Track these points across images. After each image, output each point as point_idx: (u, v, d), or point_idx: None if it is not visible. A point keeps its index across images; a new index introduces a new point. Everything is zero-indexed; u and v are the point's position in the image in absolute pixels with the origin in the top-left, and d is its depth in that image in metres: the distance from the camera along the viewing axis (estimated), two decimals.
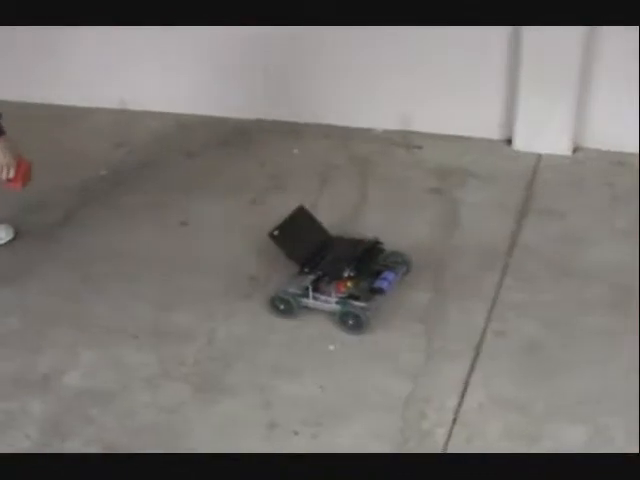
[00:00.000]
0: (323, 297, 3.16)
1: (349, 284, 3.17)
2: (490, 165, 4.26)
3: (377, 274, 3.24)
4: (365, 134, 4.57)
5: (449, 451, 2.66)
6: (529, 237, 3.67)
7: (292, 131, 4.62)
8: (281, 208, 3.78)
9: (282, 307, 3.17)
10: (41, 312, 3.32)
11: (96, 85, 4.90)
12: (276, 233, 3.24)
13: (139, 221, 3.88)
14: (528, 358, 3.01)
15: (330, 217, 3.81)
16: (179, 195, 4.06)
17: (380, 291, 3.17)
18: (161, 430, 2.76)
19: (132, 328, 3.21)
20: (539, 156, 4.29)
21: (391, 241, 3.60)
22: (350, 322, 3.08)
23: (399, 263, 3.34)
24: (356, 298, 3.13)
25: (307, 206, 3.86)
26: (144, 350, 3.10)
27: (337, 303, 3.13)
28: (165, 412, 2.83)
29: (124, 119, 4.86)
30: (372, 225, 3.76)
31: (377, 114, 4.62)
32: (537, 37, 4.06)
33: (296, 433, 2.73)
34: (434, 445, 2.68)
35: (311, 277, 3.20)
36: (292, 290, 3.18)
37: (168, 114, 4.80)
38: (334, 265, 3.21)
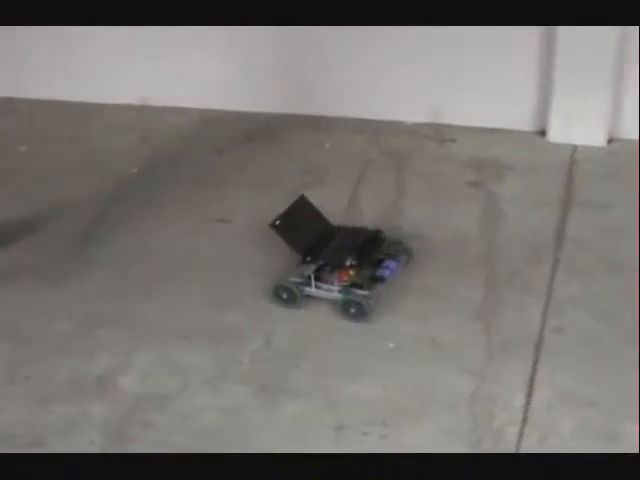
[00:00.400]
0: (326, 286, 3.16)
1: (351, 273, 3.17)
2: (526, 157, 4.21)
3: (379, 263, 3.24)
4: (395, 127, 4.50)
5: (522, 451, 2.60)
6: (575, 230, 3.63)
7: (320, 125, 4.55)
8: (321, 203, 3.73)
9: (285, 296, 3.16)
10: (88, 314, 3.24)
11: (115, 81, 4.80)
12: (278, 223, 3.22)
13: (176, 219, 3.80)
14: (589, 354, 2.97)
15: (371, 212, 3.79)
16: (214, 192, 3.98)
17: (382, 279, 3.17)
18: (226, 433, 2.71)
19: (182, 329, 3.15)
20: (574, 147, 4.24)
21: (436, 236, 3.61)
22: (352, 310, 3.08)
23: (400, 252, 3.34)
24: (358, 286, 3.12)
25: (347, 201, 3.84)
26: (198, 351, 3.04)
27: (339, 292, 3.13)
28: (228, 414, 2.77)
29: (146, 115, 4.76)
30: (414, 219, 3.72)
31: (406, 107, 4.55)
32: (572, 28, 3.99)
33: (365, 434, 2.68)
34: (506, 445, 2.62)
35: (313, 266, 3.20)
36: (295, 279, 3.17)
37: (190, 109, 4.71)
38: (336, 254, 3.21)
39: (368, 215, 3.77)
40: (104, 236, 3.70)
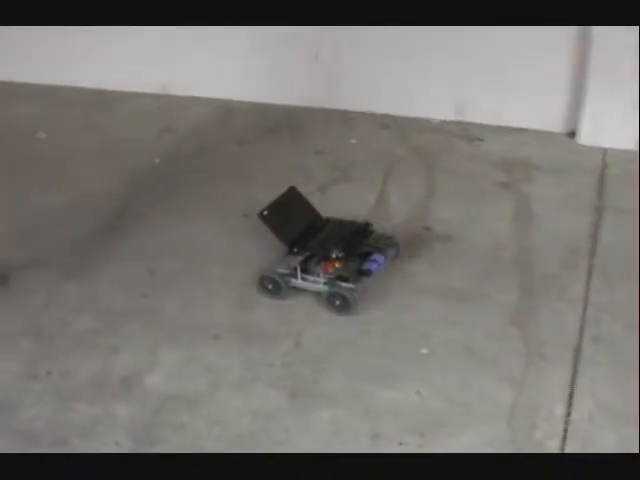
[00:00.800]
0: (311, 277, 3.12)
1: (337, 265, 3.12)
2: (556, 159, 4.13)
3: (366, 256, 3.19)
4: (422, 124, 4.42)
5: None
6: (608, 235, 3.55)
7: (345, 120, 4.47)
8: (349, 200, 3.71)
9: (270, 287, 3.13)
10: (113, 309, 3.15)
11: (137, 69, 4.70)
12: (265, 213, 3.18)
13: (200, 213, 3.70)
14: (628, 364, 2.88)
15: (400, 210, 3.73)
16: (238, 185, 3.89)
17: (368, 273, 3.13)
18: (258, 438, 2.61)
19: (211, 327, 3.05)
20: (605, 150, 4.16)
21: (467, 237, 3.53)
22: (337, 303, 3.04)
23: (389, 245, 3.29)
24: (345, 279, 3.07)
25: (375, 198, 3.75)
26: (227, 351, 2.94)
27: (325, 284, 3.08)
28: (260, 419, 2.67)
29: (166, 104, 4.67)
30: (445, 220, 3.64)
31: (434, 104, 4.47)
32: (607, 30, 3.91)
33: (401, 444, 2.58)
34: None
35: (300, 257, 3.16)
36: (280, 270, 3.12)
37: (213, 100, 4.63)
38: (323, 246, 3.17)
39: (396, 214, 3.70)
40: (127, 229, 3.61)
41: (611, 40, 3.97)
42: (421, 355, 2.93)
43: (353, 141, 4.28)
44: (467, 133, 4.35)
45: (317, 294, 3.12)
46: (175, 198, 3.81)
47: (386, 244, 3.30)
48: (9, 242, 3.52)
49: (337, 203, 3.69)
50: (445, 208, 3.73)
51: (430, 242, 3.48)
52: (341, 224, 3.31)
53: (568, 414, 2.68)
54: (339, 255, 3.10)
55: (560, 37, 4.15)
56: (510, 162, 4.09)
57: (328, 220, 3.34)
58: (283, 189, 3.72)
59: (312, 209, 3.36)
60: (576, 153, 4.19)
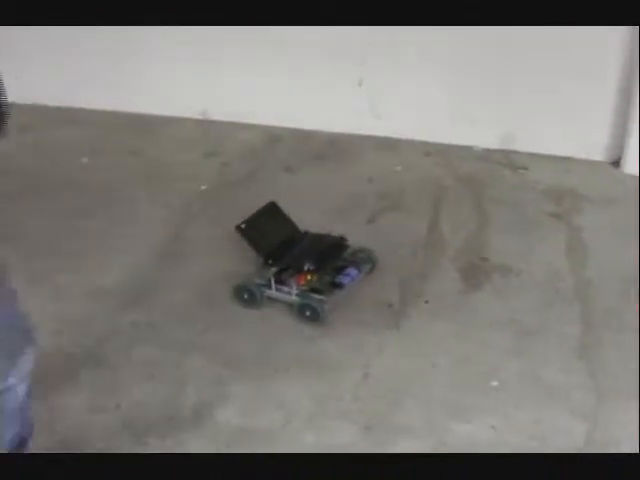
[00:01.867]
0: (285, 289, 3.21)
1: (309, 277, 3.21)
2: (604, 189, 4.11)
3: (341, 269, 3.28)
4: (465, 152, 4.40)
5: None
6: None
7: (388, 146, 4.45)
8: (401, 229, 3.70)
9: (246, 296, 3.23)
10: (174, 340, 3.11)
11: (179, 94, 4.68)
12: (243, 226, 3.28)
13: None
14: None
15: (454, 240, 3.71)
16: (287, 212, 3.84)
17: (340, 286, 3.22)
18: None
19: (275, 358, 3.02)
20: None
21: (525, 268, 3.50)
22: (307, 314, 3.13)
23: (364, 260, 3.36)
24: (317, 291, 3.17)
25: (426, 228, 3.72)
26: (294, 383, 2.91)
27: (297, 295, 3.17)
28: None
29: (209, 130, 4.64)
30: (500, 250, 3.62)
31: (477, 132, 4.45)
32: None
33: None
34: None
35: (275, 269, 3.23)
36: (257, 281, 3.22)
37: (256, 125, 4.60)
38: (296, 258, 3.26)
39: (450, 244, 3.67)
40: (181, 256, 3.57)
41: None
42: (491, 387, 2.90)
43: (398, 168, 4.26)
44: (511, 161, 4.34)
45: (290, 305, 3.18)
46: (226, 227, 3.74)
47: (362, 258, 3.37)
48: (62, 270, 3.47)
49: (389, 232, 3.69)
50: (499, 238, 3.70)
51: (489, 273, 3.45)
52: (318, 238, 3.40)
53: None
54: (311, 268, 3.19)
55: (605, 64, 4.15)
56: (558, 191, 4.07)
57: (306, 234, 3.43)
58: (333, 217, 3.72)
59: (291, 223, 3.45)
60: (622, 182, 4.18)
